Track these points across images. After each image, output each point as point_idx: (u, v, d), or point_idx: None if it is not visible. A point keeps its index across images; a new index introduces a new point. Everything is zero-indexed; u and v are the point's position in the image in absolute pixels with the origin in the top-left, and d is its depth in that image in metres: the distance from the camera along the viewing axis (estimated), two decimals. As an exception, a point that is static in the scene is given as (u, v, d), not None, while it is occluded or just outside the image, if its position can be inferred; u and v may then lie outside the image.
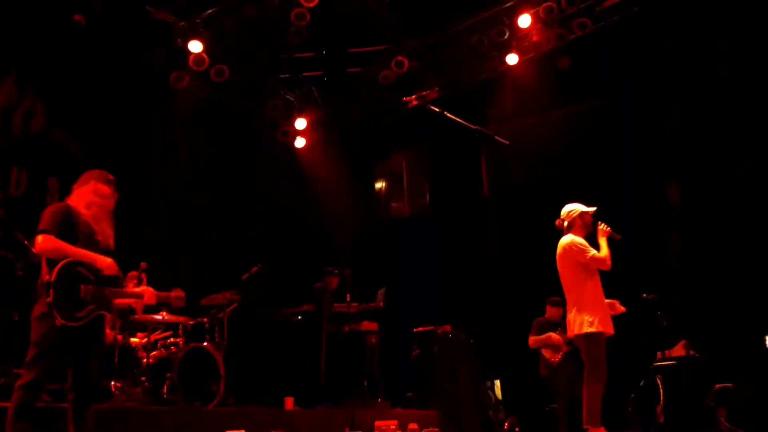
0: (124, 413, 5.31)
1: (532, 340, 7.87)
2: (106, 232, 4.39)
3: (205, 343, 6.89)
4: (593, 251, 5.68)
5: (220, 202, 10.08)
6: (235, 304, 7.60)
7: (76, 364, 4.14)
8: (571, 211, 5.92)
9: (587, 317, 5.54)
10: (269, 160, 10.92)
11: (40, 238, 4.08)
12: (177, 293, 4.85)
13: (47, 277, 3.99)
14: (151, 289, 4.63)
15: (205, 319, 7.25)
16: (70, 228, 4.17)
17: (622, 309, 6.28)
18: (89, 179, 4.41)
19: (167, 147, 9.31)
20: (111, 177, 4.52)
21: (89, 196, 4.33)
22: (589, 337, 5.53)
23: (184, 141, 9.52)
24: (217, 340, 7.14)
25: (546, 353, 7.86)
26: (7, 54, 7.58)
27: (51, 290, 3.94)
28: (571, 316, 5.67)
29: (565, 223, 5.93)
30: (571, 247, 5.72)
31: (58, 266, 4.01)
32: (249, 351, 8.60)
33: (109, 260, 4.24)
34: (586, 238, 5.84)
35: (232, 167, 10.33)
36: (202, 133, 9.76)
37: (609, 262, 5.66)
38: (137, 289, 4.66)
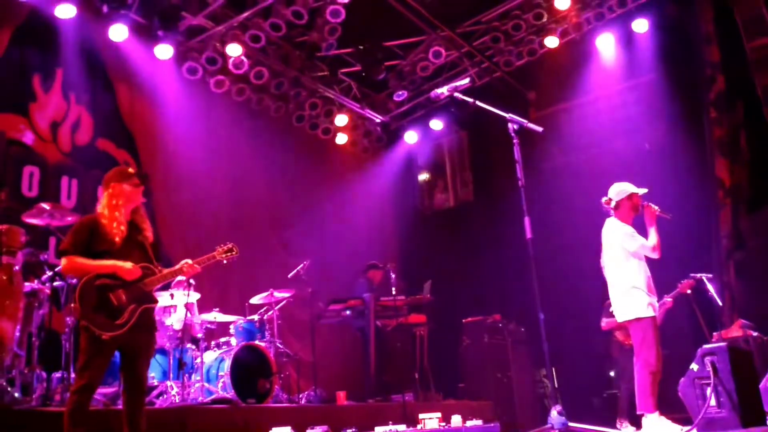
0: (179, 413, 5.43)
1: (606, 322, 7.72)
2: (142, 227, 4.40)
3: (256, 342, 6.99)
4: (641, 240, 5.49)
5: (268, 202, 10.19)
6: (284, 302, 7.71)
7: (127, 366, 4.20)
8: (621, 191, 5.67)
9: (636, 301, 5.40)
10: (311, 157, 10.99)
11: (62, 260, 4.17)
12: (223, 248, 4.65)
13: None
14: (187, 261, 4.44)
15: (255, 318, 7.37)
16: (96, 239, 4.20)
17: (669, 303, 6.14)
18: (108, 182, 4.37)
19: (212, 148, 9.46)
20: (131, 171, 4.44)
21: (112, 200, 4.29)
22: (639, 322, 5.39)
23: (228, 142, 9.69)
24: (268, 337, 7.24)
25: (619, 335, 7.77)
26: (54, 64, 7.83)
27: (80, 318, 4.02)
28: (618, 300, 5.52)
29: (613, 203, 5.71)
30: (618, 235, 5.55)
31: (78, 289, 4.06)
32: (301, 348, 8.69)
33: (128, 266, 4.16)
34: (634, 221, 5.65)
35: (276, 167, 10.43)
36: (245, 135, 9.92)
37: (659, 251, 5.46)
38: (174, 268, 4.43)
